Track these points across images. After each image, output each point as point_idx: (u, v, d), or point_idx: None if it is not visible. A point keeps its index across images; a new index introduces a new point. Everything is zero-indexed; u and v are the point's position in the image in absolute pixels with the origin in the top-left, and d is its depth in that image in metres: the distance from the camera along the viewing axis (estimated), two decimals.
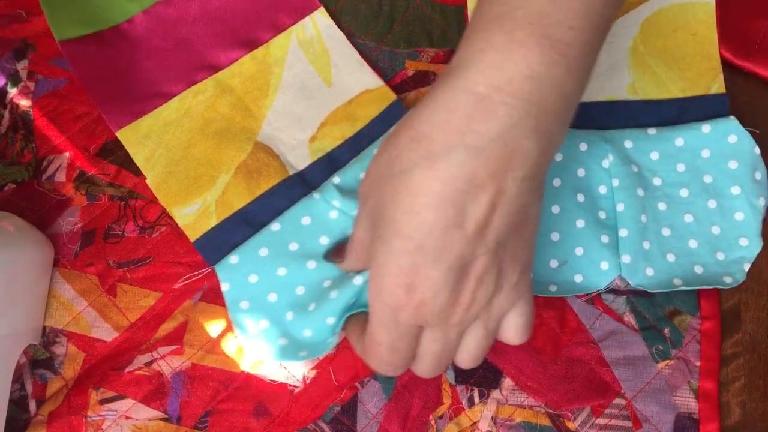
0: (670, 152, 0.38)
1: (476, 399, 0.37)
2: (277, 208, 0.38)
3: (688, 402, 0.36)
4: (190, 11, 0.42)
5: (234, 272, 0.37)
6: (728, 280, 0.36)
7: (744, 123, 0.38)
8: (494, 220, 0.26)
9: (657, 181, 0.38)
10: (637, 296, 0.37)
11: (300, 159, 0.40)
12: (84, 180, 0.40)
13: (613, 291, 0.38)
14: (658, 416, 0.36)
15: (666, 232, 0.37)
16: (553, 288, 0.37)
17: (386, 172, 0.27)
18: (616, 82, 0.40)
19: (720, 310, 0.37)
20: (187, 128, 0.40)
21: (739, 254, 0.37)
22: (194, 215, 0.38)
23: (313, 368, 0.37)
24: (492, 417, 0.36)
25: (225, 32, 0.42)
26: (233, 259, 0.37)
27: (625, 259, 0.37)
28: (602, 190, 0.38)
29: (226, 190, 0.39)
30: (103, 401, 0.37)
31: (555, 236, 0.37)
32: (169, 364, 0.37)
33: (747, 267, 0.36)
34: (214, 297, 0.38)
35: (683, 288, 0.36)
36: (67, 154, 0.41)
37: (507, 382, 0.37)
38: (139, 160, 0.39)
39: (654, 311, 0.37)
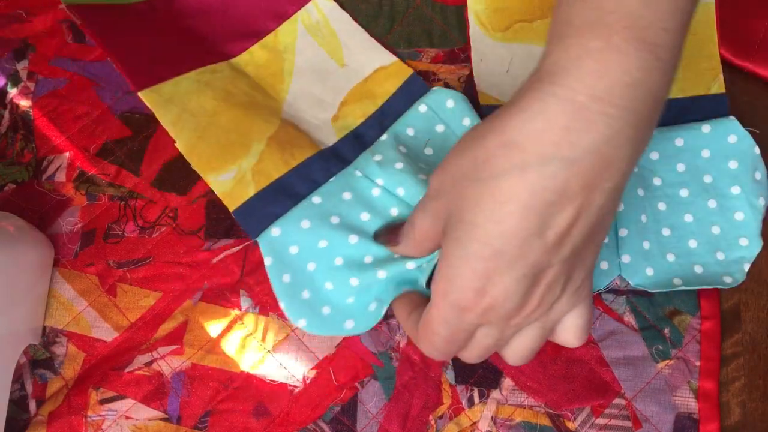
0: (670, 152, 0.38)
1: (476, 399, 0.37)
2: (314, 180, 0.38)
3: (688, 402, 0.36)
4: (191, 5, 0.42)
5: (276, 244, 0.37)
6: (728, 280, 0.36)
7: (744, 123, 0.38)
8: (575, 230, 0.26)
9: (657, 181, 0.38)
10: (637, 296, 0.37)
11: (327, 136, 0.40)
12: (84, 180, 0.40)
13: (613, 291, 0.38)
14: (658, 416, 0.36)
15: (666, 232, 0.37)
16: None
17: (470, 174, 0.27)
18: None
19: (720, 310, 0.37)
20: (211, 97, 0.39)
21: (739, 254, 0.37)
22: (231, 183, 0.38)
23: (313, 368, 0.37)
24: (492, 417, 0.36)
25: (229, 25, 0.42)
26: (275, 231, 0.37)
27: (625, 258, 0.37)
28: None
29: (262, 158, 0.38)
30: (103, 401, 0.37)
31: None
32: (169, 364, 0.37)
33: (747, 267, 0.36)
34: (214, 297, 0.38)
35: (683, 288, 0.36)
36: (67, 154, 0.41)
37: (507, 382, 0.37)
38: (165, 123, 0.39)
39: (654, 311, 0.37)
